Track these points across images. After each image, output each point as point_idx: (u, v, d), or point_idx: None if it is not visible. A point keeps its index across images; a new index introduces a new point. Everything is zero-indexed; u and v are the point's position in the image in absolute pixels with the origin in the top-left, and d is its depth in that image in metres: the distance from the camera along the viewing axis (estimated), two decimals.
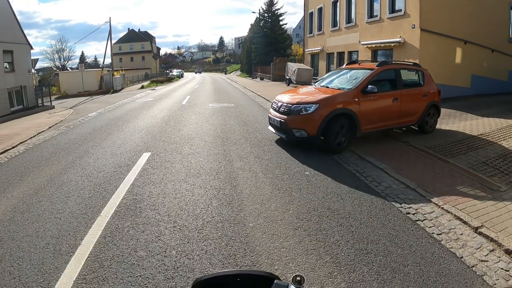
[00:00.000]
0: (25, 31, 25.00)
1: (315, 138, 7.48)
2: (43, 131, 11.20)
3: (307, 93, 8.37)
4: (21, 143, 9.32)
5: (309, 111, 7.45)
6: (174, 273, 3.27)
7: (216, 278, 0.99)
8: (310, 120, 7.41)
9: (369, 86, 7.75)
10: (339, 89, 8.15)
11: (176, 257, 3.55)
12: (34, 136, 10.27)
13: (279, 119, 7.94)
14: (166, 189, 5.46)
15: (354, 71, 8.78)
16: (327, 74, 10.03)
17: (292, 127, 7.63)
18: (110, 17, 37.40)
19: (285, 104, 7.92)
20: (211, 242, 3.83)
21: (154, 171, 6.35)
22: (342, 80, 8.72)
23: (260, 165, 6.68)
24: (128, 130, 10.41)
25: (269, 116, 8.64)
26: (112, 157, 7.37)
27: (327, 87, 8.63)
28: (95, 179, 5.99)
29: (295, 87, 23.96)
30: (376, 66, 8.52)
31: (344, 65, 10.25)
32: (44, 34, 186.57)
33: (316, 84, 9.59)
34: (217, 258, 3.54)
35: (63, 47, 77.48)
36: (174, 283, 3.12)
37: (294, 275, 0.97)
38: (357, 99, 7.70)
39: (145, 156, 7.34)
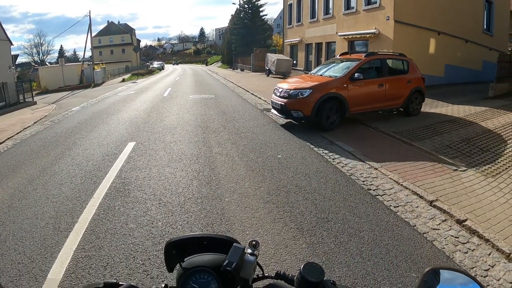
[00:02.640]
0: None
1: (309, 117, 8.68)
2: (29, 126, 11.41)
3: (303, 81, 9.61)
4: (8, 138, 9.54)
5: (305, 95, 8.71)
6: (161, 239, 3.81)
7: (185, 240, 1.10)
8: (305, 103, 8.69)
9: (356, 74, 8.93)
10: (330, 76, 9.32)
11: (162, 227, 4.10)
12: (20, 132, 10.48)
13: (280, 103, 9.23)
14: (151, 173, 5.97)
15: (345, 61, 9.84)
16: (322, 65, 11.36)
17: (290, 109, 8.93)
18: (89, 11, 37.25)
19: (285, 90, 9.21)
20: (191, 215, 4.40)
21: (139, 158, 6.84)
22: (334, 69, 9.85)
23: (236, 150, 7.25)
24: (112, 122, 10.79)
25: (271, 101, 9.84)
26: (99, 147, 7.79)
27: (321, 75, 9.79)
28: (85, 167, 6.44)
29: (275, 77, 24.56)
30: (364, 56, 9.64)
31: (338, 56, 11.34)
32: (21, 28, 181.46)
33: (312, 72, 10.80)
34: (197, 226, 4.12)
35: (41, 41, 76.09)
36: (160, 247, 3.65)
37: (250, 240, 1.10)
38: (345, 85, 8.87)
39: (130, 145, 7.79)
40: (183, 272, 1.06)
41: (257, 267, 1.09)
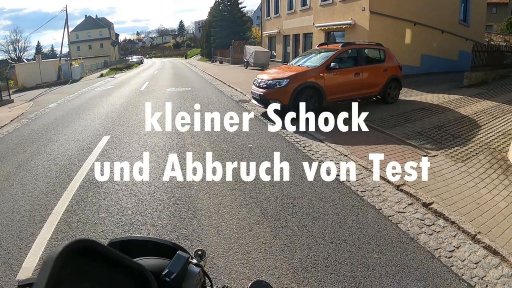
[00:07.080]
0: None
1: (287, 106, 8.82)
2: (5, 124, 11.32)
3: (281, 71, 9.94)
4: None
5: (282, 85, 9.12)
6: (130, 227, 4.04)
7: (128, 242, 1.01)
8: (283, 92, 9.07)
9: (332, 63, 9.32)
10: (308, 67, 9.69)
11: (132, 215, 4.31)
12: None
13: (259, 93, 9.61)
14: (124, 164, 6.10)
15: (323, 51, 10.17)
16: (300, 56, 11.73)
17: (269, 99, 9.18)
18: (66, 5, 36.17)
19: (264, 81, 9.59)
20: (160, 203, 4.62)
21: (113, 151, 7.00)
22: (312, 59, 10.17)
23: (208, 140, 7.45)
24: (88, 117, 10.83)
25: (251, 91, 10.16)
26: (74, 142, 7.89)
27: (299, 65, 10.17)
28: (60, 162, 6.56)
29: (254, 69, 24.71)
30: (340, 46, 9.97)
31: (316, 46, 11.69)
32: None
33: (291, 63, 11.19)
34: (165, 214, 4.34)
35: (18, 37, 74.20)
36: (129, 234, 3.88)
37: (196, 249, 1.03)
38: (322, 74, 9.24)
39: (105, 139, 7.90)
40: None
41: (206, 279, 1.04)
